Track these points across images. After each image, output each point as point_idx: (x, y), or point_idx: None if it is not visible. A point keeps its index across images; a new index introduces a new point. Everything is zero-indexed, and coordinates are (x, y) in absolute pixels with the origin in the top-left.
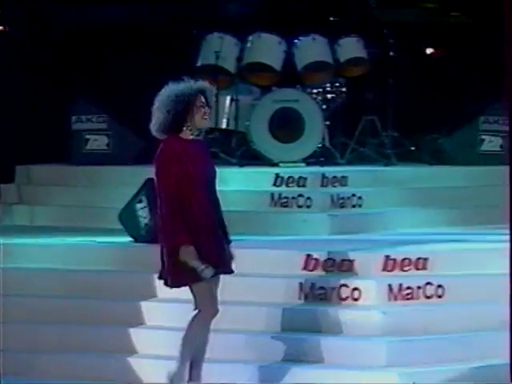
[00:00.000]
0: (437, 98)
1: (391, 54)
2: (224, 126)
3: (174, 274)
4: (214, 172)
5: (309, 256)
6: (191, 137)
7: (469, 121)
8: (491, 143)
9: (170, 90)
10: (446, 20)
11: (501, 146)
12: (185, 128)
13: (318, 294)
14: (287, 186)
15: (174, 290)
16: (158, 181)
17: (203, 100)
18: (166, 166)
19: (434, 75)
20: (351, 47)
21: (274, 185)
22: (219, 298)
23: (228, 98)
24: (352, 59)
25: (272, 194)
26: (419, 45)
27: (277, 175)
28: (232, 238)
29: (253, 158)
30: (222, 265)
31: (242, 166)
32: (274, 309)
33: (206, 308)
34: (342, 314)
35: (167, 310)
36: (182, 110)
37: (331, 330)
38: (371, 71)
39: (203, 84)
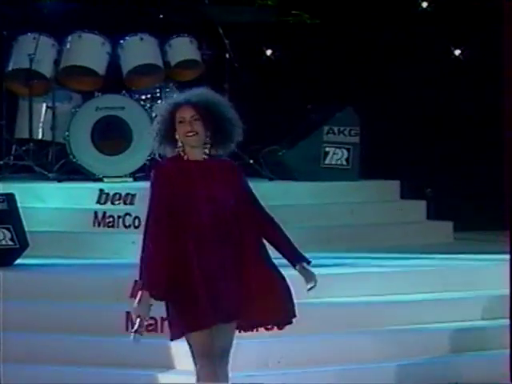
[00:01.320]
0: (278, 105)
1: (227, 55)
2: (39, 136)
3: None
4: (226, 197)
5: (136, 282)
6: (197, 157)
7: (312, 131)
8: (336, 156)
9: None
10: (285, 19)
11: (346, 160)
12: (179, 147)
13: (147, 325)
14: (113, 203)
15: None
16: None
17: (183, 115)
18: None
19: (275, 80)
20: (183, 48)
21: (98, 202)
22: None
23: (44, 106)
24: (184, 62)
25: (96, 213)
26: (258, 46)
27: (101, 191)
28: (48, 261)
29: (73, 172)
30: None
31: (60, 181)
32: (98, 340)
33: (198, 365)
34: (175, 347)
35: None
36: (163, 129)
37: (163, 365)
38: (205, 75)
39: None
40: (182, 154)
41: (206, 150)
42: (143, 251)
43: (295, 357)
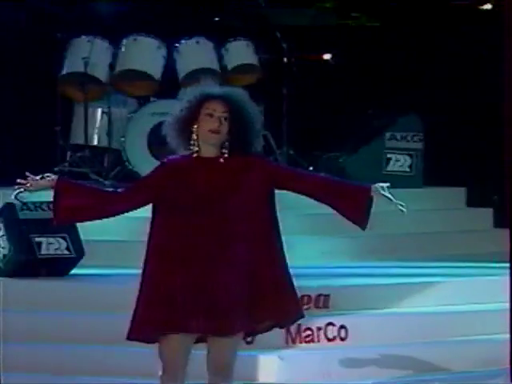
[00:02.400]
0: (337, 111)
1: (285, 59)
2: (95, 142)
3: None
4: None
5: None
6: (210, 154)
7: (373, 137)
8: (398, 162)
9: None
10: (345, 22)
11: (409, 166)
12: (192, 144)
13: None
14: None
15: None
16: None
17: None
18: None
19: (334, 84)
20: (240, 52)
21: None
22: None
23: (99, 111)
24: (241, 66)
25: None
26: (317, 50)
27: None
28: (103, 271)
29: (129, 179)
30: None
31: (116, 188)
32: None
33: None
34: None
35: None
36: (186, 118)
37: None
38: (263, 80)
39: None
40: (194, 150)
41: (224, 150)
42: None
43: (357, 368)
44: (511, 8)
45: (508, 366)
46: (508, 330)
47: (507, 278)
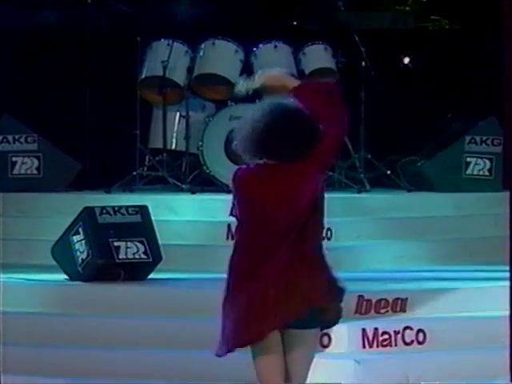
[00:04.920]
0: (416, 115)
1: (363, 63)
2: (173, 146)
3: None
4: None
5: None
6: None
7: (453, 141)
8: (478, 166)
9: None
10: (425, 25)
11: (489, 170)
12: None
13: None
14: None
15: None
16: None
17: None
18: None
19: (413, 88)
20: (318, 56)
21: (231, 215)
22: None
23: (177, 115)
24: (318, 70)
25: (229, 226)
26: (395, 53)
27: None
28: (181, 276)
29: (206, 183)
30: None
31: (193, 192)
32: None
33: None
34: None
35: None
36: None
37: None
38: (340, 83)
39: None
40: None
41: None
42: None
43: (435, 372)
44: None
45: None
46: None
47: None
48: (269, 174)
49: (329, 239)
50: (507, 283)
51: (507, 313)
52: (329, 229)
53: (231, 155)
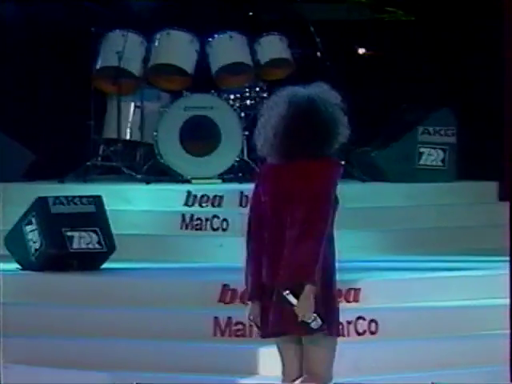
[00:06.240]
0: (370, 105)
1: (318, 54)
2: (127, 136)
3: None
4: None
5: (225, 286)
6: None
7: (406, 131)
8: (431, 157)
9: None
10: (380, 17)
11: (442, 161)
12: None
13: (235, 330)
14: (200, 205)
15: None
16: None
17: None
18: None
19: (368, 79)
20: (273, 47)
21: (186, 204)
22: None
23: (132, 105)
24: (274, 60)
25: (183, 215)
26: (350, 44)
27: (189, 193)
28: (135, 265)
29: (161, 173)
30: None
31: (148, 182)
32: (185, 346)
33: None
34: (263, 352)
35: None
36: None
37: (250, 371)
38: (296, 74)
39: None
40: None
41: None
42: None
43: (387, 362)
44: None
45: None
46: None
47: None
48: (287, 167)
49: None
50: (459, 273)
51: (459, 303)
52: None
53: (186, 145)
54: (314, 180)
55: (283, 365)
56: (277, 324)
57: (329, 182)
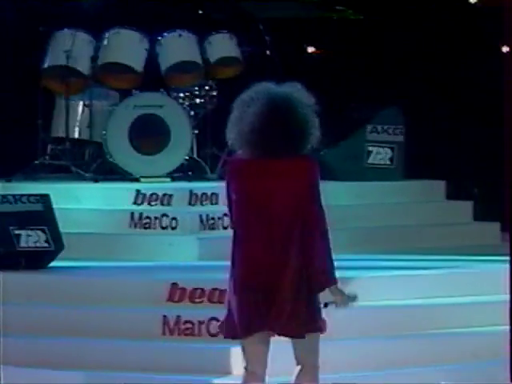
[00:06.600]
0: (319, 103)
1: (267, 52)
2: (76, 135)
3: None
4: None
5: (174, 285)
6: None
7: (355, 130)
8: (379, 155)
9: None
10: (329, 15)
11: (390, 159)
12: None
13: (184, 329)
14: (150, 204)
15: None
16: None
17: None
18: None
19: (316, 77)
20: (223, 45)
21: (135, 203)
22: None
23: (81, 104)
24: (224, 59)
25: (132, 214)
26: (299, 43)
27: (138, 192)
28: (83, 264)
29: (110, 172)
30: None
31: (97, 181)
32: (133, 345)
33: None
34: (212, 351)
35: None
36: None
37: (199, 370)
38: (245, 72)
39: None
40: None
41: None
42: None
43: (335, 361)
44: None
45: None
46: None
47: (487, 270)
48: (264, 164)
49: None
50: (409, 272)
51: (407, 302)
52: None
53: (135, 143)
54: (303, 178)
55: (248, 363)
56: (276, 324)
57: (317, 181)
